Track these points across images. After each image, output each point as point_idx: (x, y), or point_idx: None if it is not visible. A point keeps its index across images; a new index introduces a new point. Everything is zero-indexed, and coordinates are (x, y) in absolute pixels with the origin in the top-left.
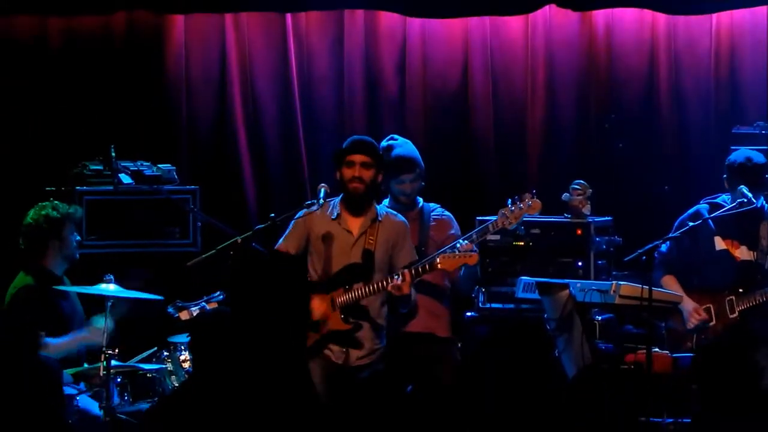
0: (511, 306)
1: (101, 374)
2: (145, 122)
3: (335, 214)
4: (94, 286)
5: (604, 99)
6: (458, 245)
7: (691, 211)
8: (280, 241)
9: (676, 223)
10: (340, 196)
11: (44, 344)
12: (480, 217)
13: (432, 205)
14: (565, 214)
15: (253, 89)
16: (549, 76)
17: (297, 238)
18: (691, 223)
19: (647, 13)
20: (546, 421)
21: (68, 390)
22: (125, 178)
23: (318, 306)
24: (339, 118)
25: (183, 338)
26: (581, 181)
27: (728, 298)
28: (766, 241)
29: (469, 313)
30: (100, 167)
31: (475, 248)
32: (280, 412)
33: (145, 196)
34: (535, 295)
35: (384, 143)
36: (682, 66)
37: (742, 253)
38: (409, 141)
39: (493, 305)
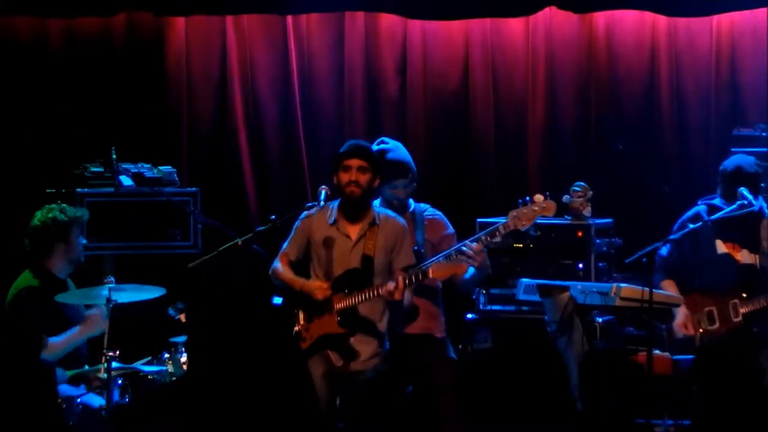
0: (512, 308)
1: (102, 376)
2: (146, 124)
3: (333, 219)
4: (95, 289)
5: (604, 101)
6: (464, 248)
7: (690, 212)
8: (284, 246)
9: (675, 226)
10: (339, 200)
11: (48, 345)
12: (481, 219)
13: (422, 205)
14: (566, 216)
15: (253, 91)
16: (549, 77)
17: (298, 243)
18: (691, 225)
19: (647, 15)
20: (546, 421)
21: (70, 391)
22: (126, 180)
23: (317, 284)
24: (339, 120)
25: (183, 339)
26: (582, 183)
27: (732, 302)
28: (767, 243)
29: (469, 315)
30: (100, 169)
31: (484, 249)
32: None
33: (145, 198)
34: (536, 297)
35: (375, 147)
36: (683, 67)
37: (744, 256)
38: (400, 144)
39: (494, 307)
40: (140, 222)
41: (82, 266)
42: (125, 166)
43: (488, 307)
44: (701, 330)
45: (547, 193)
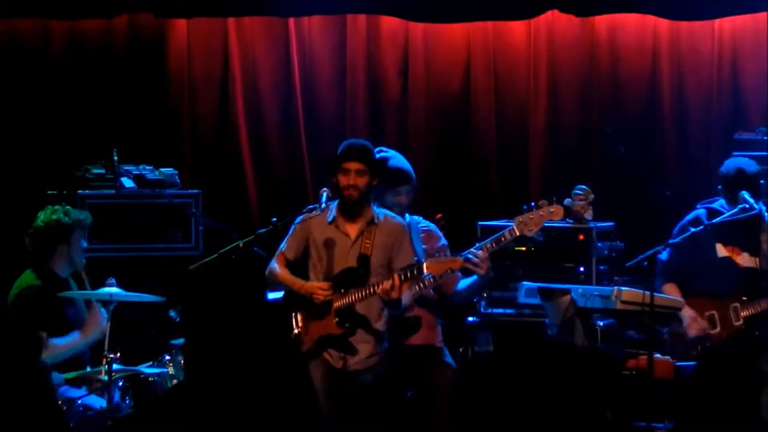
0: (513, 311)
1: (103, 378)
2: (148, 126)
3: (331, 218)
4: (96, 290)
5: (606, 104)
6: (470, 256)
7: (690, 216)
8: (282, 245)
9: (675, 230)
10: (338, 200)
11: (49, 345)
12: (482, 222)
13: (416, 217)
14: (567, 220)
15: (255, 93)
16: (551, 81)
17: (296, 242)
18: (693, 229)
19: (649, 19)
20: (547, 425)
21: (70, 393)
22: (127, 182)
23: (316, 285)
24: (341, 123)
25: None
26: (583, 186)
27: (732, 305)
28: (767, 246)
29: (470, 318)
30: (102, 171)
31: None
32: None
33: (147, 200)
34: (537, 301)
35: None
36: (684, 71)
37: (744, 260)
38: (398, 153)
39: (495, 310)
40: (141, 224)
41: (83, 268)
42: (127, 167)
43: (489, 310)
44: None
45: (554, 198)
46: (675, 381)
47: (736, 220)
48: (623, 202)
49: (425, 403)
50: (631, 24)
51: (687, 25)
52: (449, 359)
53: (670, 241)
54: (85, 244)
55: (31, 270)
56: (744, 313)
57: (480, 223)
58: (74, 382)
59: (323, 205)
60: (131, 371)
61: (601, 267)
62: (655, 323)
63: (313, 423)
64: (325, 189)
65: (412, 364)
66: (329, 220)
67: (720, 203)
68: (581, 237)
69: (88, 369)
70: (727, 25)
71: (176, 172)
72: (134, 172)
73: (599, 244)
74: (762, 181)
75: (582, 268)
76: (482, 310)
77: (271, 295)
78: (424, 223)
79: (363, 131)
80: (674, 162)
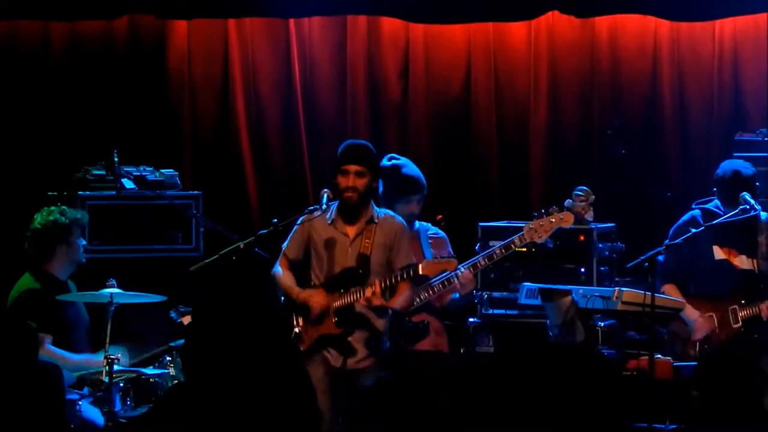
0: (514, 312)
1: (104, 379)
2: (148, 127)
3: (331, 218)
4: (97, 292)
5: (607, 105)
6: (458, 272)
7: (686, 217)
8: (284, 246)
9: (671, 231)
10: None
11: (52, 351)
12: (482, 224)
13: (425, 224)
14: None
15: (256, 94)
16: (552, 82)
17: (297, 244)
18: (693, 230)
19: (650, 20)
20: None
21: (71, 395)
22: (128, 183)
23: (316, 298)
24: (341, 123)
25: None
26: (584, 188)
27: (731, 308)
28: (765, 247)
29: (471, 319)
30: (102, 172)
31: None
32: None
33: (147, 201)
34: (538, 301)
35: (388, 163)
36: (685, 72)
37: (742, 261)
38: (410, 161)
39: (496, 311)
40: (142, 225)
41: (83, 267)
42: (127, 168)
43: (490, 311)
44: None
45: (554, 207)
46: (675, 381)
47: (734, 221)
48: (624, 203)
49: (428, 408)
50: (632, 25)
51: (687, 26)
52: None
53: (672, 242)
54: (83, 243)
55: (29, 273)
56: (742, 315)
57: (480, 224)
58: (75, 384)
59: (324, 206)
60: (132, 372)
61: (602, 268)
62: (655, 324)
63: (312, 423)
64: (325, 190)
65: (419, 370)
66: (329, 220)
67: (715, 203)
68: (582, 238)
69: (90, 369)
70: (728, 26)
71: (177, 173)
72: (134, 174)
73: (600, 245)
74: (757, 183)
75: (583, 269)
76: (483, 311)
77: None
78: (433, 230)
79: (363, 132)
80: (675, 163)
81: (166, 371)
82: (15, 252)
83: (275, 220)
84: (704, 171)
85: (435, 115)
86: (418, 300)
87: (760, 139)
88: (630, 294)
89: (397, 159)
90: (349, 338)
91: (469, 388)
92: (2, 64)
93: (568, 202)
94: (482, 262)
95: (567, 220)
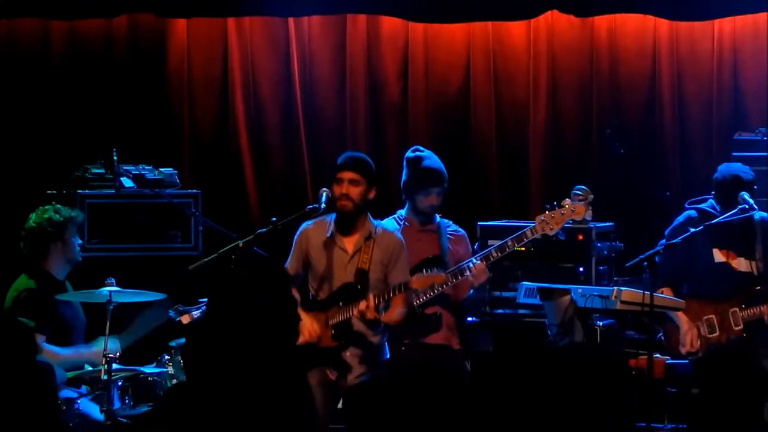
0: (513, 311)
1: (102, 377)
2: (147, 126)
3: (330, 233)
4: (95, 291)
5: (606, 104)
6: (470, 264)
7: (681, 218)
8: (287, 263)
9: (667, 232)
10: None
11: (44, 349)
12: (481, 223)
13: (446, 221)
14: (568, 220)
15: (255, 93)
16: (551, 81)
17: (296, 260)
18: (692, 229)
19: (649, 19)
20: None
21: (69, 393)
22: (127, 182)
23: (308, 326)
24: (341, 123)
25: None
26: (583, 187)
27: (731, 310)
28: (761, 246)
29: (470, 318)
30: (101, 171)
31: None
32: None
33: (146, 200)
34: (537, 301)
35: (411, 154)
36: (684, 72)
37: (740, 264)
38: (433, 153)
39: (495, 310)
40: (141, 223)
41: (80, 266)
42: (126, 167)
43: (489, 311)
44: (702, 336)
45: (577, 196)
46: (669, 380)
47: (728, 223)
48: (623, 203)
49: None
50: (631, 24)
51: (687, 25)
52: (467, 365)
53: (671, 242)
54: (79, 241)
55: (26, 273)
56: (744, 317)
57: (480, 223)
58: (73, 382)
59: (323, 205)
60: (131, 371)
61: (601, 267)
62: (654, 323)
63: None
64: (324, 189)
65: (430, 365)
66: (328, 234)
67: (710, 203)
68: (581, 237)
69: (87, 368)
70: (727, 25)
71: (176, 171)
72: (134, 172)
73: (599, 245)
74: (755, 187)
75: (581, 269)
76: (482, 310)
77: None
78: (453, 227)
79: (363, 131)
80: (673, 162)
81: (165, 370)
82: (14, 252)
83: (274, 219)
84: (703, 170)
85: (434, 115)
86: (431, 293)
87: (759, 138)
88: (629, 293)
89: (421, 151)
90: (346, 353)
91: (469, 387)
92: (2, 62)
93: (567, 201)
94: (494, 254)
95: (579, 212)
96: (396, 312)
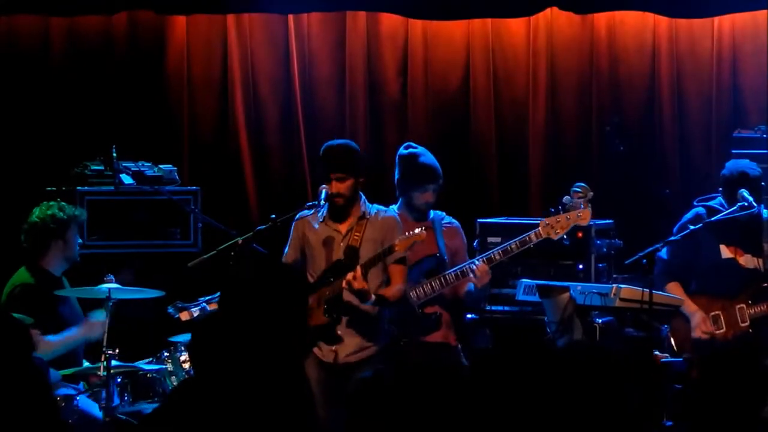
0: (512, 308)
1: (101, 374)
2: (147, 123)
3: (323, 218)
4: (94, 287)
5: (605, 102)
6: (473, 266)
7: (690, 215)
8: (284, 253)
9: (675, 228)
10: None
11: (42, 342)
12: (480, 220)
13: (440, 213)
14: (567, 217)
15: (254, 90)
16: (550, 78)
17: (293, 249)
18: (692, 227)
19: (649, 16)
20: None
21: (67, 390)
22: (126, 179)
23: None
24: (340, 120)
25: (183, 338)
26: (582, 184)
27: (738, 306)
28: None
29: (469, 316)
30: (101, 167)
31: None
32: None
33: (146, 197)
34: (536, 298)
35: (405, 151)
36: (684, 69)
37: (747, 261)
38: (427, 150)
39: (494, 308)
40: (140, 220)
41: (78, 265)
42: (126, 164)
43: (488, 308)
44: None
45: (564, 200)
46: (664, 377)
47: (735, 219)
48: (622, 200)
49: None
50: (631, 21)
51: (686, 22)
52: (464, 360)
53: (670, 239)
54: (80, 241)
55: (24, 267)
56: (750, 314)
57: (479, 220)
58: (72, 379)
59: (323, 203)
60: (130, 368)
61: (600, 264)
62: (653, 321)
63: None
64: (324, 186)
65: (427, 361)
66: (320, 219)
67: (719, 201)
68: (580, 234)
69: (85, 365)
70: (727, 22)
71: (175, 168)
72: (133, 169)
73: (598, 242)
74: (763, 183)
75: (581, 266)
76: (480, 307)
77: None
78: (447, 219)
79: (362, 128)
80: (673, 160)
81: (164, 366)
82: (14, 247)
83: (273, 216)
84: (702, 168)
85: (434, 112)
86: (430, 290)
87: (758, 136)
88: (628, 291)
89: (414, 148)
90: (338, 329)
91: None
92: (1, 59)
93: (566, 198)
94: (497, 256)
95: (584, 218)
96: (395, 288)
